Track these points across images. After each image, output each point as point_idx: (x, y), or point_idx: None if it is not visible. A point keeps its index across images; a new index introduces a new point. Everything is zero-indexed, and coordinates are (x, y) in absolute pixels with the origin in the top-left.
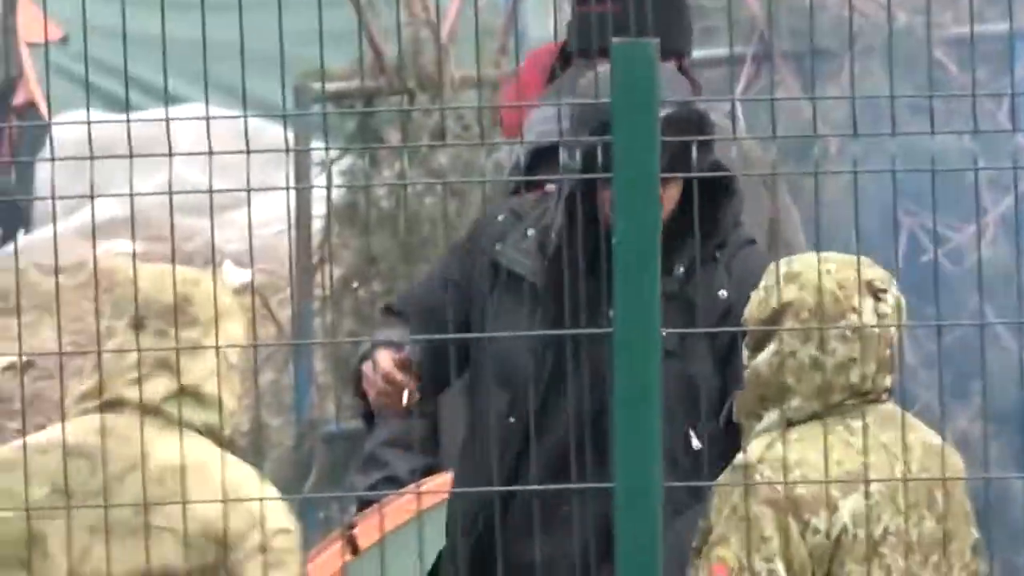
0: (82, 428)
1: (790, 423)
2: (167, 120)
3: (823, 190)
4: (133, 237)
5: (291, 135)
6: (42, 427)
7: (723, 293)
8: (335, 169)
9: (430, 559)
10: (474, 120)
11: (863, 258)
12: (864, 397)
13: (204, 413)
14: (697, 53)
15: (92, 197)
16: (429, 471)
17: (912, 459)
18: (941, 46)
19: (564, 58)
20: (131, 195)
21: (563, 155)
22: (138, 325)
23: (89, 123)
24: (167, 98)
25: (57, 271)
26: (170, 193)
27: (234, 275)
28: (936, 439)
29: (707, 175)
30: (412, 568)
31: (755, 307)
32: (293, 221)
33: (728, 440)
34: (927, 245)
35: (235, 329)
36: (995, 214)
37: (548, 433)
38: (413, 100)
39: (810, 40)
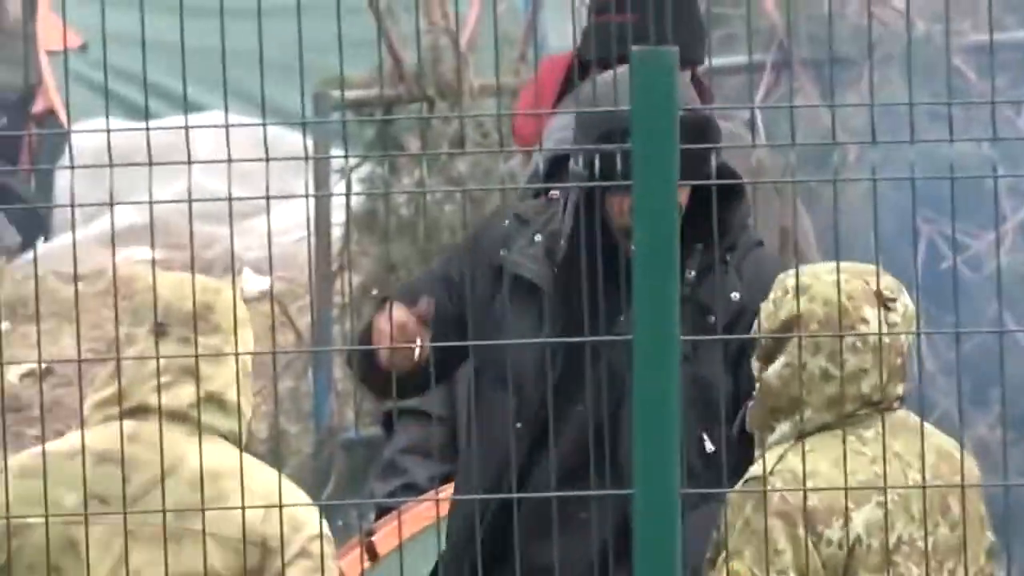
0: (108, 435)
1: (802, 435)
2: (186, 128)
3: (842, 197)
4: (152, 245)
5: (310, 143)
6: (61, 434)
7: (735, 296)
8: (354, 177)
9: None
10: (493, 128)
11: (871, 267)
12: (876, 407)
13: (227, 420)
14: (717, 61)
15: (111, 205)
16: (448, 478)
17: (925, 466)
18: (960, 54)
19: (581, 66)
20: (150, 203)
21: (571, 162)
22: (160, 332)
23: (108, 131)
24: (186, 106)
25: (76, 278)
26: (189, 201)
27: (253, 282)
28: (949, 444)
29: (723, 182)
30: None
31: (764, 319)
32: (312, 229)
33: (741, 444)
34: (946, 252)
35: (249, 337)
36: (1014, 221)
37: (557, 439)
38: (432, 108)
39: (829, 48)
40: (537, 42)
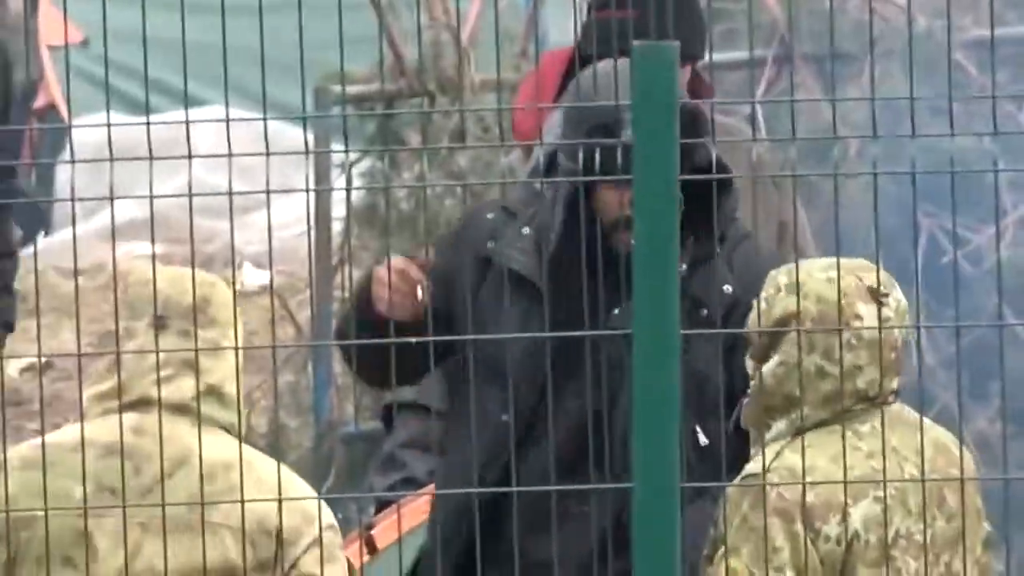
0: (112, 427)
1: (799, 432)
2: (187, 123)
3: (842, 192)
4: (153, 239)
5: (311, 137)
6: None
7: (727, 288)
8: (355, 171)
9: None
10: (494, 122)
11: (863, 262)
12: (871, 402)
13: (226, 412)
14: (718, 56)
15: (112, 199)
16: None
17: (920, 460)
18: (961, 49)
19: (582, 62)
20: (151, 197)
21: (560, 156)
22: (160, 326)
23: (109, 126)
24: (187, 101)
25: (76, 273)
26: (190, 195)
27: (253, 276)
28: (945, 436)
29: (720, 176)
30: None
31: (757, 318)
32: (312, 223)
33: (735, 438)
34: (946, 246)
35: (241, 332)
36: (1015, 216)
37: (545, 433)
38: (433, 103)
39: (830, 43)
40: (538, 37)
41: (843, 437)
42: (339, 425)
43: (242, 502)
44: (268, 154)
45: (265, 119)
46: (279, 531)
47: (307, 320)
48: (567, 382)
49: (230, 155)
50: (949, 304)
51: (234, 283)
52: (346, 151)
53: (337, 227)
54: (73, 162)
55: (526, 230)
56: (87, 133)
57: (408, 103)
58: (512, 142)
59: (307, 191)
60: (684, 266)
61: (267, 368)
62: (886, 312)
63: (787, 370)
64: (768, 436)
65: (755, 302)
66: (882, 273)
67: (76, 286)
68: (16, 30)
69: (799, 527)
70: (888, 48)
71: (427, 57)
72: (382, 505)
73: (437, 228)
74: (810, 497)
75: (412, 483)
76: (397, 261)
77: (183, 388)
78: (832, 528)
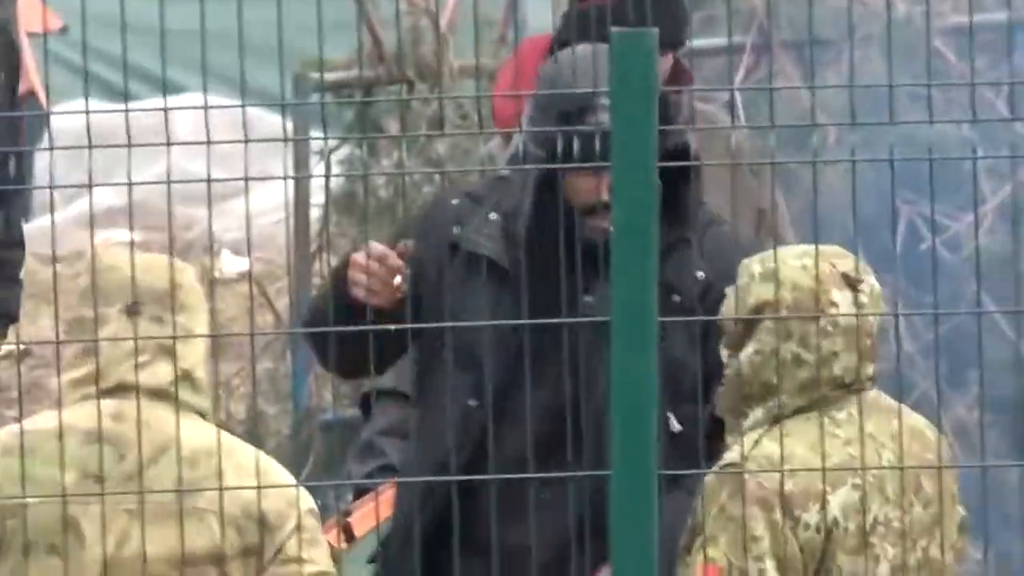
0: (91, 414)
1: (777, 419)
2: (166, 109)
3: (821, 179)
4: (131, 226)
5: (290, 124)
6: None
7: (700, 274)
8: (333, 158)
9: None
10: (472, 110)
11: (836, 249)
12: (848, 388)
13: (199, 398)
14: (697, 42)
15: (90, 186)
16: None
17: (897, 446)
18: (940, 35)
19: (562, 49)
20: (129, 184)
21: (529, 143)
22: (133, 311)
23: (88, 112)
24: (165, 88)
25: (55, 260)
26: (168, 182)
27: (232, 264)
28: (920, 422)
29: (704, 163)
30: None
31: (732, 306)
32: (291, 210)
33: (707, 424)
34: (925, 234)
35: (206, 316)
36: (993, 203)
37: (514, 418)
38: (412, 90)
39: (809, 29)
40: (517, 24)
41: (821, 425)
42: (317, 412)
43: (220, 489)
44: (247, 141)
45: (244, 106)
46: (264, 516)
47: (286, 307)
48: (538, 368)
49: (208, 142)
50: (927, 291)
51: (212, 270)
52: (325, 138)
53: (316, 214)
54: (52, 149)
55: (493, 215)
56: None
57: (387, 90)
58: (491, 129)
59: (286, 178)
60: None
61: (246, 355)
62: (861, 298)
63: (763, 358)
64: (745, 424)
65: (729, 290)
66: (855, 259)
67: (55, 273)
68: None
69: (779, 515)
70: (867, 34)
71: (406, 43)
72: (360, 492)
73: None
74: (789, 485)
75: (390, 470)
76: (376, 247)
77: (159, 373)
78: (811, 516)
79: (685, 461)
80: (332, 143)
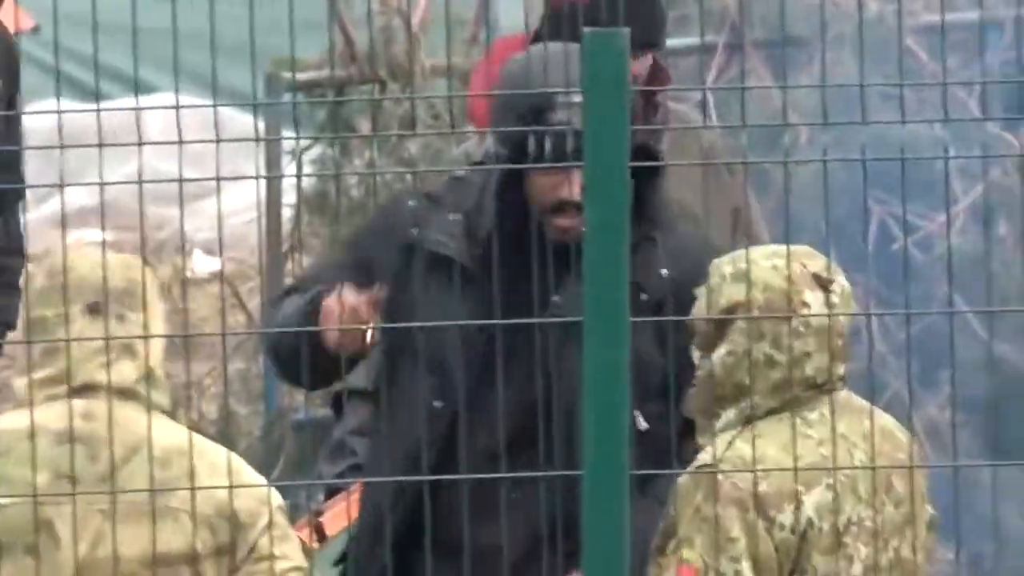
0: (61, 414)
1: (749, 420)
2: (137, 109)
3: (793, 179)
4: (103, 226)
5: (261, 124)
6: None
7: (664, 272)
8: (305, 158)
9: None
10: (444, 109)
11: (806, 249)
12: (820, 389)
13: (162, 396)
14: (669, 42)
15: (62, 186)
16: None
17: (869, 446)
18: (912, 35)
19: None
20: (101, 184)
21: (492, 143)
22: (95, 310)
23: (60, 112)
24: (137, 87)
25: (26, 260)
26: (140, 182)
27: (204, 263)
28: (890, 422)
29: (677, 163)
30: None
31: (704, 307)
32: (263, 210)
33: (671, 423)
34: (897, 233)
35: (162, 313)
36: (965, 203)
37: (481, 419)
38: (384, 89)
39: (781, 29)
40: (489, 23)
41: (793, 426)
42: (289, 412)
43: (192, 489)
44: (218, 141)
45: (216, 106)
46: (236, 515)
47: (258, 307)
48: (505, 368)
49: (180, 142)
50: (899, 291)
51: (184, 270)
52: (297, 138)
53: (287, 214)
54: (23, 148)
55: (453, 216)
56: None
57: (359, 90)
58: (462, 129)
59: (257, 178)
60: None
61: (217, 355)
62: (832, 298)
63: (736, 359)
64: (717, 425)
65: (700, 291)
66: (823, 259)
67: (26, 272)
68: None
69: (754, 516)
70: (839, 33)
71: (378, 43)
72: (331, 492)
73: None
74: (764, 486)
75: (361, 470)
76: (348, 296)
77: (124, 372)
78: (786, 517)
79: (652, 459)
80: (304, 143)
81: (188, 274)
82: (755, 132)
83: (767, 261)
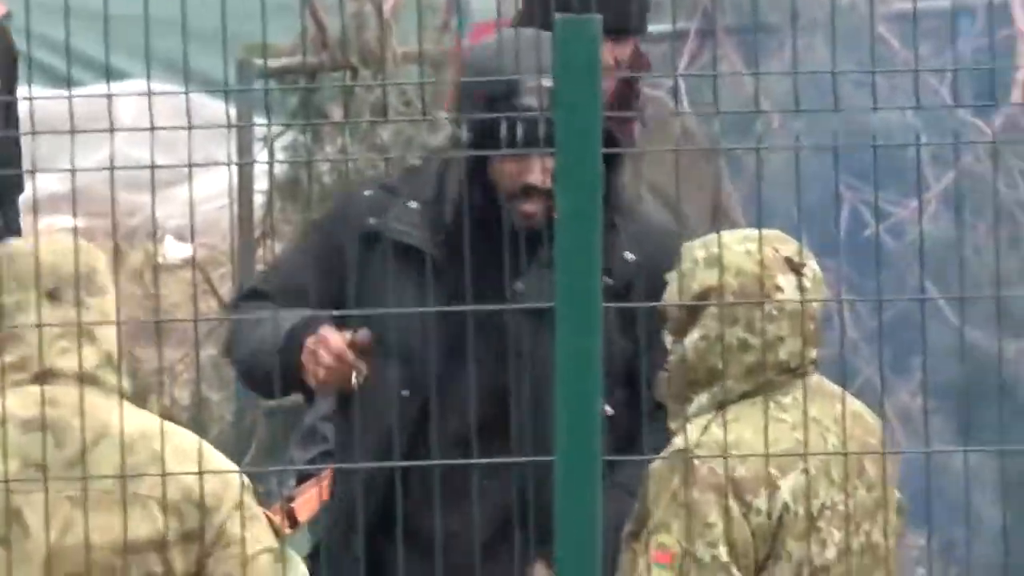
0: (25, 402)
1: (722, 405)
2: (108, 96)
3: (765, 165)
4: (75, 213)
5: (233, 111)
6: None
7: (629, 256)
8: (277, 145)
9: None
10: (416, 96)
11: (777, 233)
12: (792, 373)
13: (120, 379)
14: None
15: (33, 172)
16: None
17: (841, 430)
18: (884, 22)
19: None
20: (72, 171)
21: (453, 127)
22: (53, 296)
23: (31, 99)
24: (108, 74)
25: None
26: (111, 169)
27: (176, 250)
28: (859, 406)
29: (650, 149)
30: None
31: (676, 292)
32: (235, 196)
33: (635, 409)
34: (869, 220)
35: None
36: (937, 190)
37: (449, 407)
38: (355, 76)
39: (753, 15)
40: (460, 10)
41: (765, 410)
42: (261, 398)
43: (163, 475)
44: (190, 127)
45: (187, 92)
46: (202, 499)
47: (229, 293)
48: (466, 356)
49: (152, 128)
50: (871, 277)
51: (156, 256)
52: (268, 124)
53: (259, 200)
54: None
55: (413, 204)
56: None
57: (330, 76)
58: (433, 115)
59: (229, 164)
60: None
61: (189, 341)
62: (805, 283)
63: (709, 344)
64: (690, 410)
65: (671, 276)
66: (794, 243)
67: None
68: None
69: (732, 501)
70: (811, 20)
71: (349, 29)
72: (303, 478)
73: None
74: (740, 471)
75: (332, 456)
76: (335, 340)
77: (86, 357)
78: (762, 501)
79: (616, 446)
80: (276, 129)
81: (160, 260)
82: (727, 119)
83: (740, 246)
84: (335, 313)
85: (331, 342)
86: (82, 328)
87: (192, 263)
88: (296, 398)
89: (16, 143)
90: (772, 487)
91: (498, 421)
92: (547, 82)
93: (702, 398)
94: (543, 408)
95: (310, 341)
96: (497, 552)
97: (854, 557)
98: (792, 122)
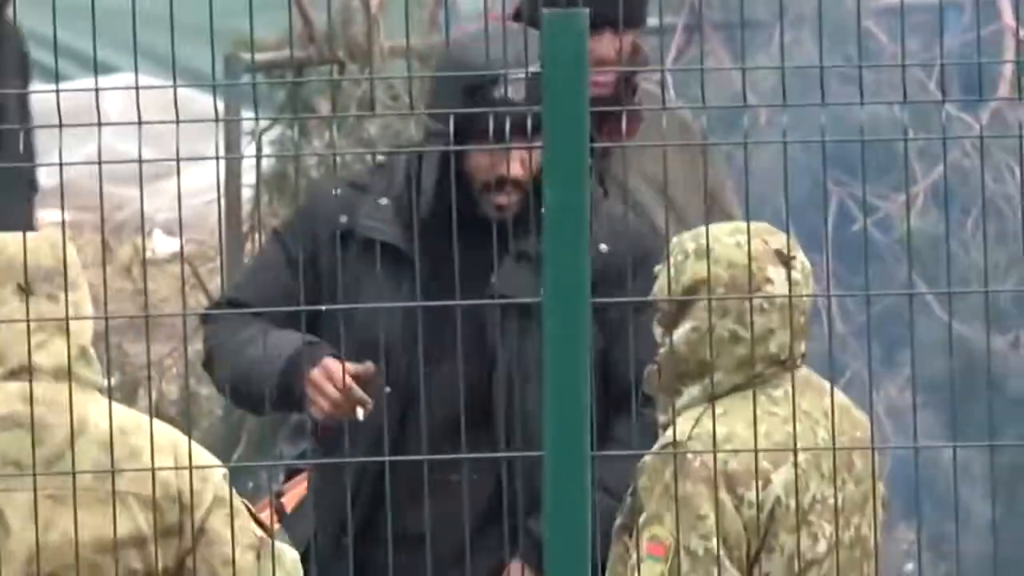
0: (2, 398)
1: (712, 398)
2: (96, 90)
3: (752, 160)
4: (63, 207)
5: (221, 105)
6: None
7: (603, 247)
8: (265, 139)
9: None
10: (403, 90)
11: (766, 226)
12: (782, 366)
13: (95, 375)
14: None
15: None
16: None
17: (830, 423)
18: (872, 16)
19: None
20: (60, 164)
21: (429, 121)
22: (28, 291)
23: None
24: (96, 68)
25: None
26: (99, 163)
27: (164, 244)
28: (845, 399)
29: (639, 144)
30: None
31: (666, 285)
32: (222, 190)
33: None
34: (856, 215)
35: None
36: (925, 184)
37: (428, 402)
38: (343, 70)
39: (740, 10)
40: (447, 4)
41: (754, 402)
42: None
43: (152, 469)
44: (178, 122)
45: (175, 86)
46: (180, 495)
47: (218, 288)
48: (444, 351)
49: (140, 122)
50: (859, 272)
51: (144, 251)
52: (256, 119)
53: (247, 194)
54: None
55: (383, 200)
56: None
57: (318, 71)
58: (420, 110)
59: (217, 158)
60: None
61: (178, 336)
62: (795, 275)
63: (700, 336)
64: (679, 403)
65: (659, 268)
66: (783, 236)
67: None
68: None
69: (724, 494)
70: (798, 14)
71: (336, 24)
72: (291, 473)
73: None
74: (733, 464)
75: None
76: (336, 372)
77: (60, 352)
78: (755, 494)
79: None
80: (263, 123)
81: (148, 254)
82: (714, 113)
83: (730, 238)
84: (311, 308)
85: (337, 376)
86: (53, 323)
87: (180, 257)
88: None
89: (30, 141)
90: (765, 480)
91: (473, 417)
92: (525, 73)
93: (693, 390)
94: (518, 402)
95: (315, 374)
96: (474, 548)
97: (844, 550)
98: (779, 116)
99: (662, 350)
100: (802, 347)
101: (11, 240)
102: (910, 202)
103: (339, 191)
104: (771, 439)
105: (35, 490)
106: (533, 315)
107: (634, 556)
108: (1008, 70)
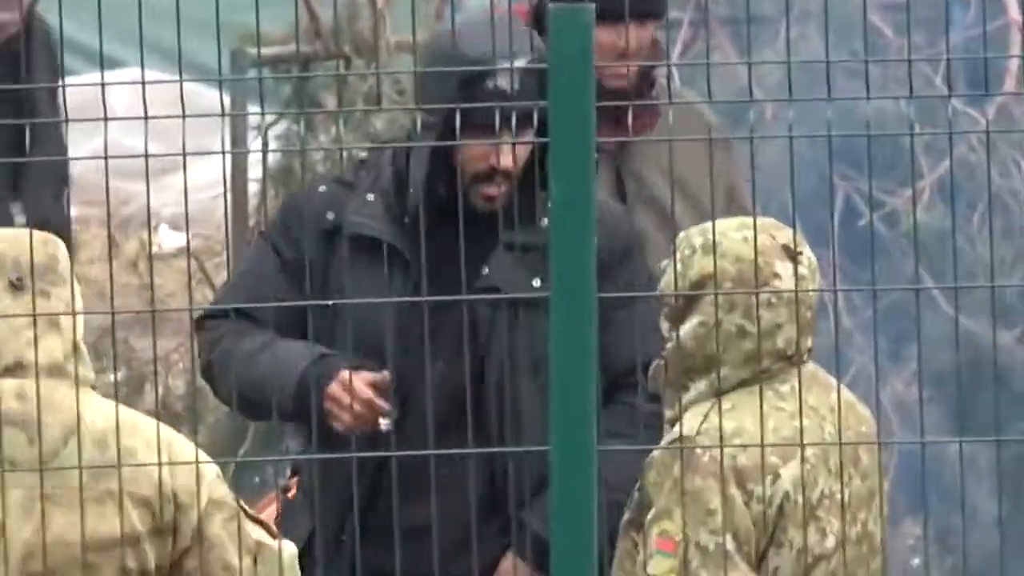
0: None
1: (719, 393)
2: (103, 84)
3: (759, 155)
4: (69, 201)
5: (227, 99)
6: None
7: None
8: (271, 133)
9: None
10: (409, 85)
11: (773, 221)
12: (789, 361)
13: (88, 371)
14: None
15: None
16: None
17: (836, 419)
18: (877, 11)
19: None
20: (67, 159)
21: (421, 113)
22: (18, 287)
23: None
24: (102, 62)
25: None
26: (106, 157)
27: (170, 239)
28: (850, 395)
29: (648, 139)
30: None
31: (672, 279)
32: (229, 185)
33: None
34: (863, 209)
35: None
36: (931, 179)
37: (421, 397)
38: (349, 65)
39: (746, 5)
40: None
41: (760, 397)
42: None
43: (159, 464)
44: (184, 116)
45: (181, 81)
46: (176, 495)
47: (224, 282)
48: (436, 346)
49: (146, 117)
50: (865, 267)
51: (151, 245)
52: (262, 113)
53: (253, 189)
54: None
55: (371, 196)
56: None
57: (324, 65)
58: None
59: (223, 153)
60: (546, 220)
61: (184, 331)
62: (802, 270)
63: (707, 331)
64: (686, 398)
65: (666, 263)
66: (790, 231)
67: None
68: None
69: (733, 489)
70: (804, 9)
71: (343, 18)
72: (297, 468)
73: None
74: (742, 459)
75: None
76: (358, 385)
77: (54, 348)
78: (764, 489)
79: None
80: (269, 118)
81: (155, 249)
82: (720, 108)
83: (737, 233)
84: (310, 304)
85: (358, 389)
86: (45, 319)
87: (187, 252)
88: None
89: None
90: (773, 475)
91: (465, 412)
92: (518, 63)
93: (700, 385)
94: (511, 395)
95: (334, 389)
96: (462, 546)
97: (852, 546)
98: (785, 111)
99: (669, 345)
100: (809, 342)
101: (3, 236)
102: (916, 197)
103: (325, 188)
104: (779, 434)
105: (42, 489)
106: (524, 305)
107: (641, 552)
108: (1014, 64)
